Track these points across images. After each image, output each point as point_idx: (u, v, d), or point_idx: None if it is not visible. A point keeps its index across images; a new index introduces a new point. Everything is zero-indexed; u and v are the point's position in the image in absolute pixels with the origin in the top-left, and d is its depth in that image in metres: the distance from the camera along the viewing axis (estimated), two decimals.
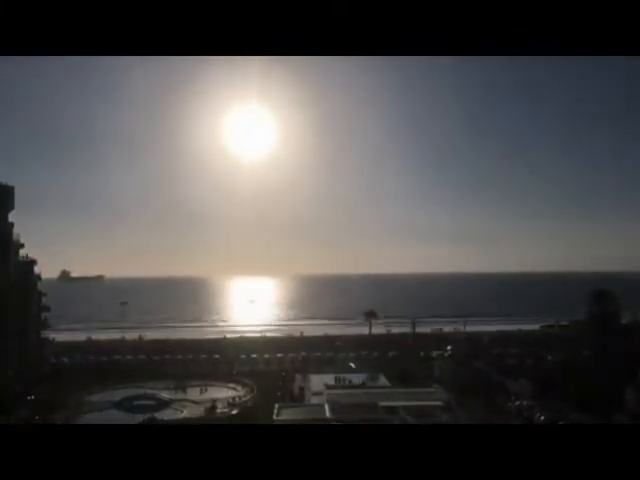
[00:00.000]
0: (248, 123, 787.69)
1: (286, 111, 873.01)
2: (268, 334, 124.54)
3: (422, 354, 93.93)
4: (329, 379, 74.20)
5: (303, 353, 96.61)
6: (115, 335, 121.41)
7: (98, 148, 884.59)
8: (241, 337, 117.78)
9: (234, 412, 60.71)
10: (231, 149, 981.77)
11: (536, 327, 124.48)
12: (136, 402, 64.67)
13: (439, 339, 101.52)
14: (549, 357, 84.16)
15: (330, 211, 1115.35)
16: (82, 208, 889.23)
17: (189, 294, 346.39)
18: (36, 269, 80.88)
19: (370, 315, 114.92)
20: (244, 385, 73.47)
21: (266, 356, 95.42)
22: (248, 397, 67.66)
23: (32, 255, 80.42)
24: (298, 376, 77.94)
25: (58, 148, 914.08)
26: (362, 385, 72.57)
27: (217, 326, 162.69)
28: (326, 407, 58.17)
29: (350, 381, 73.66)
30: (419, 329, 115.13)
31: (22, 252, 78.34)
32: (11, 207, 75.70)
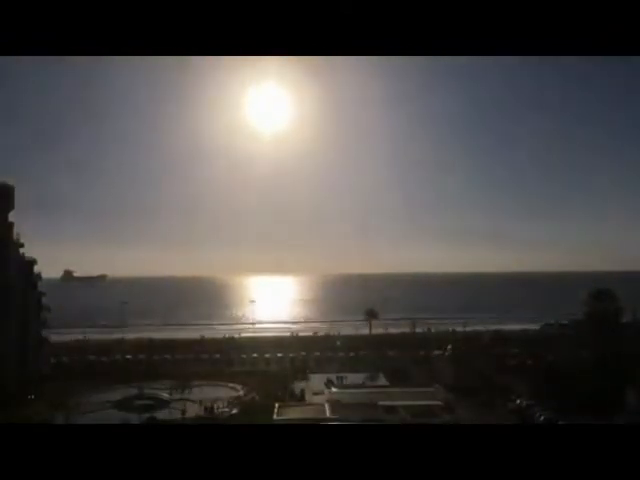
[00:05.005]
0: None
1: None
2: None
3: None
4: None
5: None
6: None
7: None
8: None
9: None
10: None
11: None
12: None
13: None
14: (549, 357, 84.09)
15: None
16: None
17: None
18: (36, 268, 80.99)
19: (370, 314, 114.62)
20: None
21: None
22: None
23: (34, 255, 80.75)
24: None
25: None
26: (362, 384, 72.69)
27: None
28: (326, 406, 58.25)
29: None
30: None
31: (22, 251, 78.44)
32: (11, 207, 75.85)
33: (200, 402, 64.26)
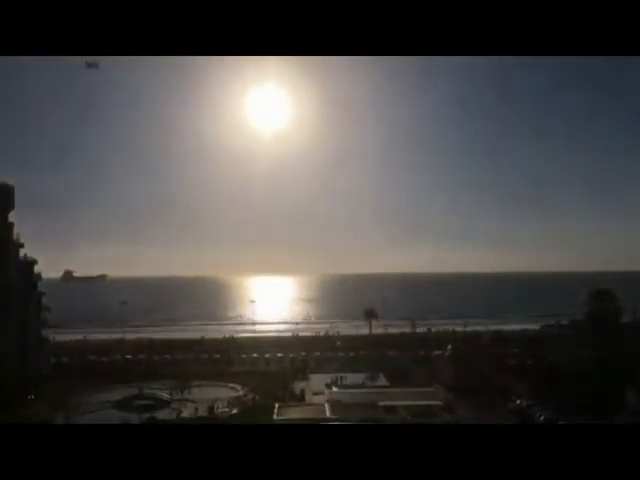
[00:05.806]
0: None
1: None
2: None
3: None
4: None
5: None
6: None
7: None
8: None
9: None
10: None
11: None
12: None
13: None
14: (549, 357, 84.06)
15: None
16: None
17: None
18: (36, 268, 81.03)
19: (370, 315, 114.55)
20: None
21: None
22: None
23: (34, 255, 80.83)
24: None
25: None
26: (362, 385, 72.69)
27: None
28: (326, 406, 58.24)
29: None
30: None
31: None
32: (11, 207, 75.88)
33: (193, 402, 64.20)
